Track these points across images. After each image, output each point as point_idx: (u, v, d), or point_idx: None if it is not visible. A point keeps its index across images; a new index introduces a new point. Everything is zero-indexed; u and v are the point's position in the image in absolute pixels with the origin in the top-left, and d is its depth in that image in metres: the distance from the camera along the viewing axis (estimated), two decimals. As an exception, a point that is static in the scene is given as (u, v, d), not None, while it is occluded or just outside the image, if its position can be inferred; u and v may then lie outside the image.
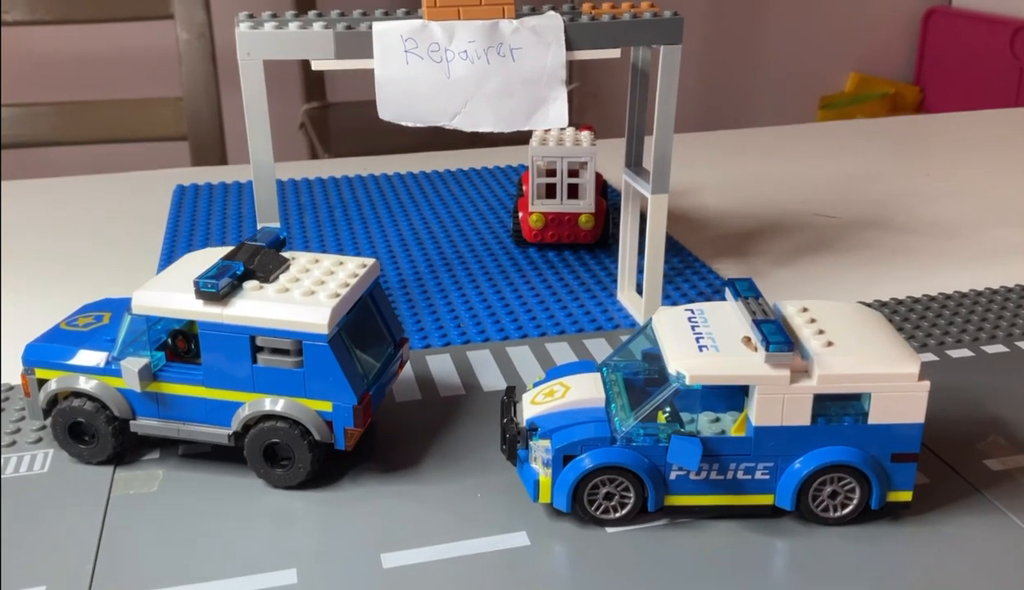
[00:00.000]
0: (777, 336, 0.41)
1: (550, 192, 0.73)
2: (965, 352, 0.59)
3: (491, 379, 0.55)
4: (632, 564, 0.41)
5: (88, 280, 0.71)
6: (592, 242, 0.74)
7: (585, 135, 0.75)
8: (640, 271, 0.64)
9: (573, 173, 0.72)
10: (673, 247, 0.75)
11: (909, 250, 0.77)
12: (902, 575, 0.41)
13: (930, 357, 0.58)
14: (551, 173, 0.72)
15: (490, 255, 0.74)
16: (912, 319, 0.63)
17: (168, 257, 0.74)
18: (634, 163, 0.63)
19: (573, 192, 0.73)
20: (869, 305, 0.65)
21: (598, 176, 0.75)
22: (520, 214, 0.74)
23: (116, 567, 0.41)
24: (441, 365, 0.57)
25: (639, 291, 0.64)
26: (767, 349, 0.40)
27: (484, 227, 0.79)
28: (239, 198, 0.88)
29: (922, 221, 0.83)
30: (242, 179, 0.93)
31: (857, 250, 0.76)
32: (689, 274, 0.71)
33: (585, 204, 0.73)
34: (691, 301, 0.66)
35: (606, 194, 0.76)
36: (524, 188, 0.75)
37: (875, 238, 0.79)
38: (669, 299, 0.66)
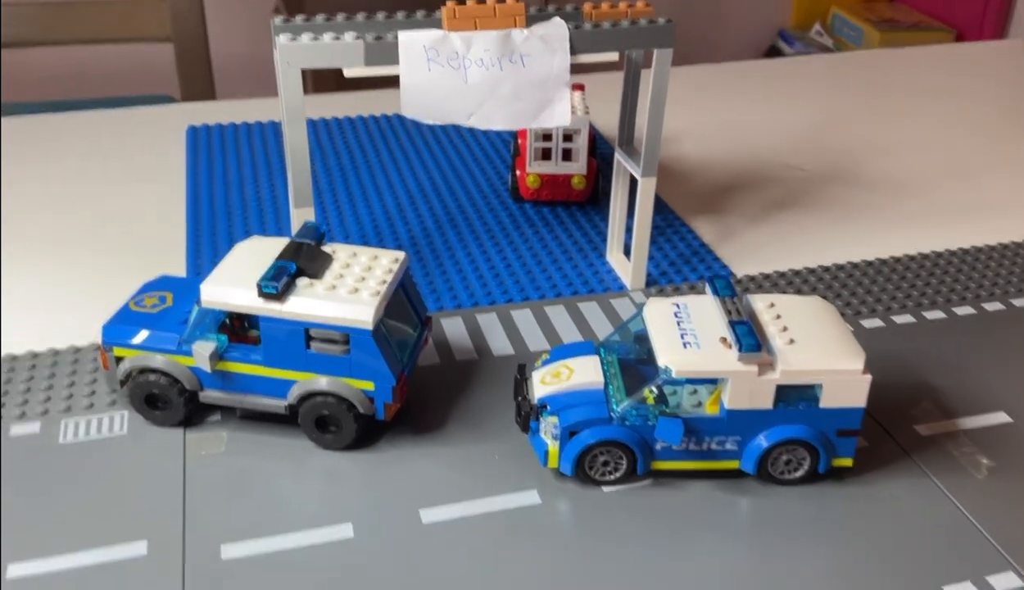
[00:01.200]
0: (748, 339, 0.49)
1: (546, 155, 0.80)
2: (906, 318, 0.68)
3: (499, 343, 0.64)
4: (624, 517, 0.51)
5: (110, 236, 0.77)
6: (584, 200, 0.82)
7: (577, 97, 0.82)
8: (628, 232, 0.72)
9: (567, 138, 0.79)
10: (656, 203, 0.82)
11: (872, 208, 0.85)
12: (842, 526, 0.51)
13: (877, 323, 0.67)
14: (547, 138, 0.79)
15: (491, 212, 0.81)
16: (864, 283, 0.72)
17: (193, 212, 0.80)
18: (626, 143, 0.70)
19: (567, 155, 0.80)
20: (827, 269, 0.74)
21: (590, 136, 0.81)
22: (518, 173, 0.81)
23: (201, 523, 0.49)
24: (454, 328, 0.65)
25: (626, 253, 0.72)
26: (740, 349, 0.49)
27: (484, 181, 0.86)
28: (253, 141, 0.93)
29: (886, 175, 0.91)
30: (250, 119, 0.98)
31: (822, 208, 0.84)
32: (670, 234, 0.78)
33: (577, 167, 0.80)
34: (672, 263, 0.74)
35: (595, 152, 0.83)
36: (520, 143, 0.82)
37: (840, 194, 0.87)
38: (652, 260, 0.74)
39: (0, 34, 1.54)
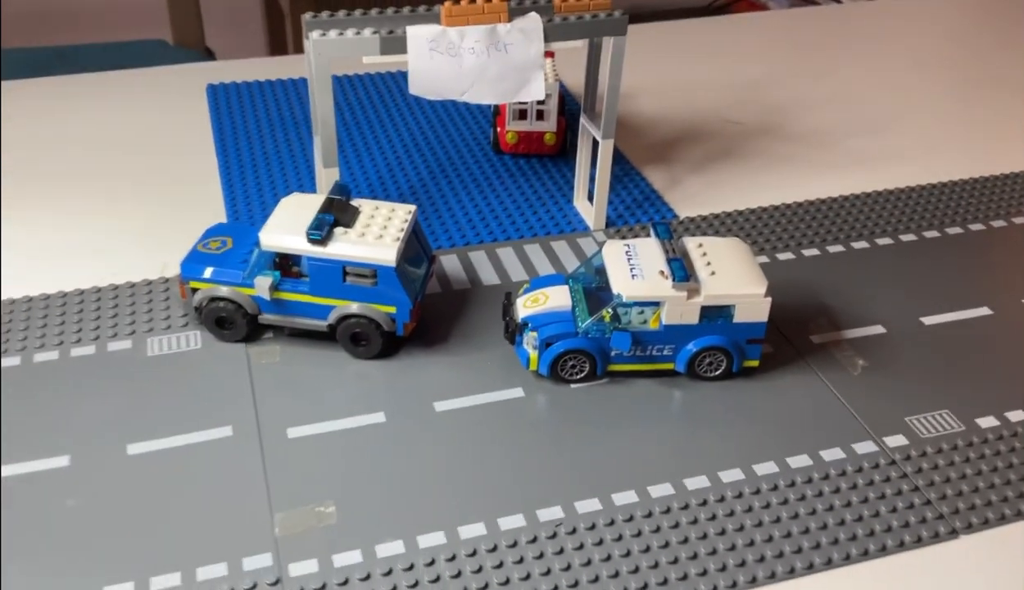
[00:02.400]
0: (681, 272, 0.65)
1: (522, 115, 0.95)
2: (813, 251, 0.85)
3: (488, 275, 0.79)
4: (588, 406, 0.67)
5: (156, 189, 0.91)
6: (554, 153, 0.97)
7: (548, 65, 0.96)
8: (591, 181, 0.87)
9: (540, 102, 0.94)
10: (614, 155, 0.98)
11: (793, 158, 1.01)
12: (749, 410, 0.67)
13: (790, 256, 0.84)
14: (523, 102, 0.94)
15: (476, 164, 0.96)
16: (782, 223, 0.88)
17: (225, 164, 0.94)
18: (589, 109, 0.85)
19: (540, 115, 0.95)
20: (753, 211, 0.90)
21: (560, 98, 0.96)
22: (498, 130, 0.96)
23: (269, 412, 0.65)
24: (450, 264, 0.81)
25: (590, 199, 0.88)
26: (674, 280, 0.65)
27: (469, 137, 1.01)
28: (269, 98, 1.07)
29: (809, 128, 1.07)
30: (261, 77, 1.11)
31: (753, 158, 1.00)
32: (626, 182, 0.94)
33: (549, 125, 0.95)
34: (627, 207, 0.90)
35: (564, 111, 0.98)
36: (500, 105, 0.96)
37: (768, 146, 1.03)
38: (611, 205, 0.90)
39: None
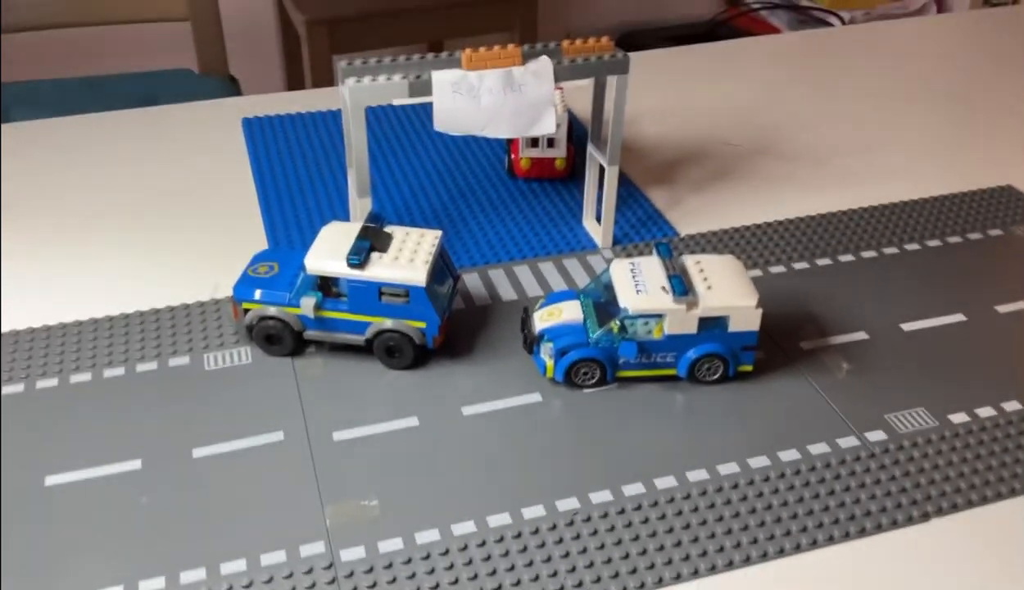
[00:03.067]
0: (680, 287, 0.73)
1: (535, 143, 1.03)
2: (803, 264, 0.92)
3: (506, 292, 0.87)
4: (599, 409, 0.75)
5: (201, 218, 1.00)
6: (565, 177, 1.05)
7: (557, 97, 1.04)
8: (598, 202, 0.95)
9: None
10: (619, 176, 1.05)
11: (787, 177, 1.08)
12: (743, 410, 0.75)
13: (781, 269, 0.92)
14: (535, 130, 1.02)
15: (493, 188, 1.04)
16: (775, 239, 0.96)
17: (264, 198, 1.02)
18: (596, 138, 0.93)
19: (551, 143, 1.03)
20: (748, 228, 0.98)
21: (569, 126, 1.04)
22: (513, 156, 1.04)
23: (315, 418, 0.73)
24: (472, 281, 0.89)
25: (598, 219, 0.96)
26: (675, 294, 0.73)
27: (486, 163, 1.09)
28: (300, 130, 1.15)
29: (803, 148, 1.14)
30: (291, 110, 1.20)
31: (749, 178, 1.08)
32: (631, 202, 1.02)
33: (559, 152, 1.03)
34: (632, 226, 0.98)
35: (573, 138, 1.06)
36: (514, 133, 1.04)
37: (763, 166, 1.11)
38: (617, 224, 0.97)
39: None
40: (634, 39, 2.83)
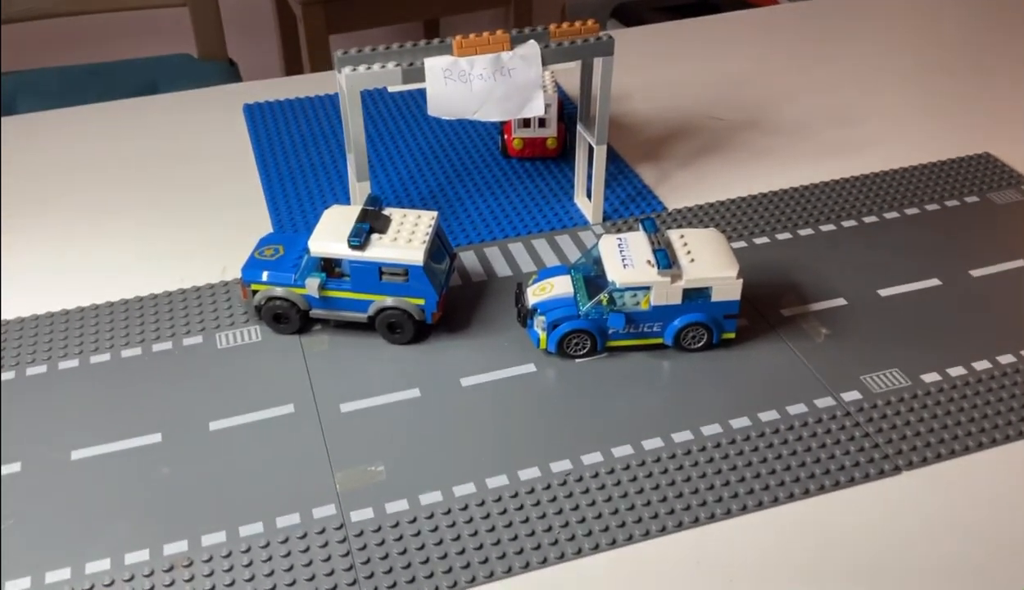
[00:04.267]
0: (665, 261, 0.77)
1: (526, 123, 1.07)
2: (786, 234, 0.96)
3: (501, 268, 0.92)
4: (590, 377, 0.79)
5: (207, 203, 1.04)
6: (556, 155, 1.09)
7: (548, 77, 1.08)
8: (589, 179, 0.99)
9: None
10: (609, 153, 1.09)
11: (771, 150, 1.12)
12: (727, 375, 0.79)
13: (765, 240, 0.96)
14: (527, 111, 1.06)
15: (487, 168, 1.08)
16: (759, 210, 1.00)
17: (267, 182, 1.06)
18: (584, 118, 0.96)
19: (542, 123, 1.07)
20: (734, 200, 1.02)
21: (559, 106, 1.08)
22: (506, 136, 1.08)
23: (323, 391, 0.78)
24: (468, 258, 0.93)
25: (589, 197, 0.99)
26: (660, 267, 0.77)
27: (480, 144, 1.13)
28: (299, 115, 1.19)
29: (787, 121, 1.18)
30: (290, 95, 1.23)
31: (735, 151, 1.12)
32: (620, 179, 1.06)
33: (550, 131, 1.07)
34: (622, 201, 1.02)
35: (564, 117, 1.09)
36: (506, 113, 1.08)
37: (748, 140, 1.14)
38: (607, 200, 1.01)
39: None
40: (628, 10, 2.85)
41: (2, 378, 0.80)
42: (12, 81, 1.84)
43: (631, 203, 1.02)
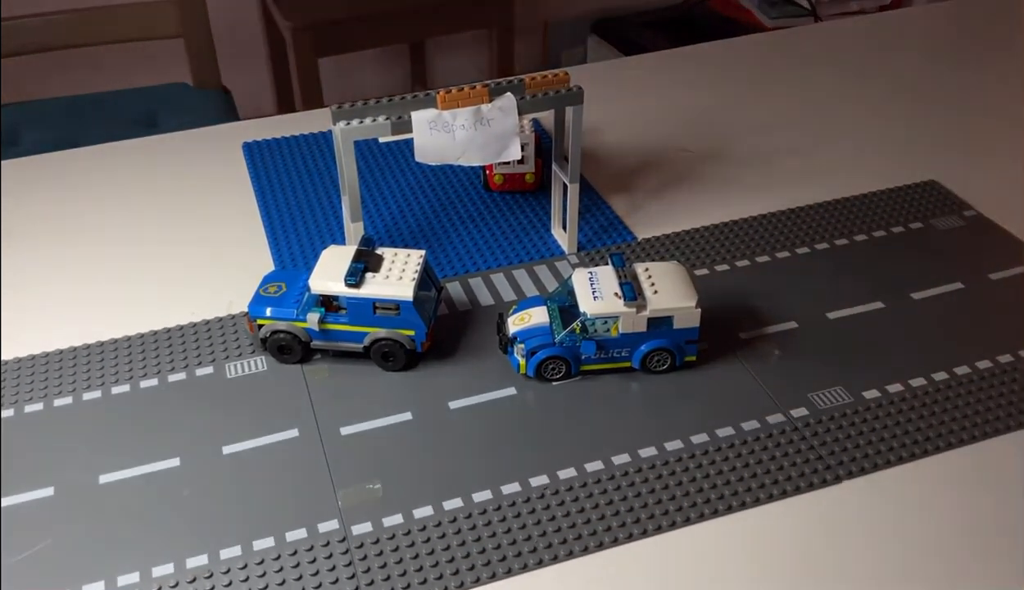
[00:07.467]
0: (630, 293, 0.86)
1: (507, 160, 1.15)
2: (745, 262, 1.05)
3: (484, 298, 1.00)
4: (566, 398, 0.88)
5: (208, 242, 1.12)
6: (535, 189, 1.17)
7: (525, 121, 1.16)
8: (564, 212, 1.07)
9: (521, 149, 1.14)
10: (583, 185, 1.18)
11: (735, 180, 1.21)
12: (689, 393, 0.88)
13: (725, 267, 1.04)
14: (507, 149, 1.14)
15: (471, 201, 1.16)
16: (720, 239, 1.08)
17: (268, 219, 1.14)
18: (559, 158, 1.05)
19: (521, 160, 1.15)
20: (698, 230, 1.10)
21: (537, 142, 1.16)
22: (487, 172, 1.17)
23: (325, 416, 0.86)
24: (454, 289, 1.01)
25: (564, 228, 1.08)
26: (626, 299, 0.86)
27: (465, 179, 1.21)
28: (301, 153, 1.27)
29: (751, 151, 1.27)
30: (286, 133, 1.31)
31: (701, 183, 1.20)
32: (593, 210, 1.14)
33: (528, 167, 1.15)
34: (595, 232, 1.11)
35: (542, 152, 1.18)
36: (488, 149, 1.16)
37: (715, 170, 1.23)
38: (581, 231, 1.10)
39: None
40: (608, 26, 2.94)
41: (30, 410, 0.88)
42: (15, 112, 1.92)
43: (603, 233, 1.10)
